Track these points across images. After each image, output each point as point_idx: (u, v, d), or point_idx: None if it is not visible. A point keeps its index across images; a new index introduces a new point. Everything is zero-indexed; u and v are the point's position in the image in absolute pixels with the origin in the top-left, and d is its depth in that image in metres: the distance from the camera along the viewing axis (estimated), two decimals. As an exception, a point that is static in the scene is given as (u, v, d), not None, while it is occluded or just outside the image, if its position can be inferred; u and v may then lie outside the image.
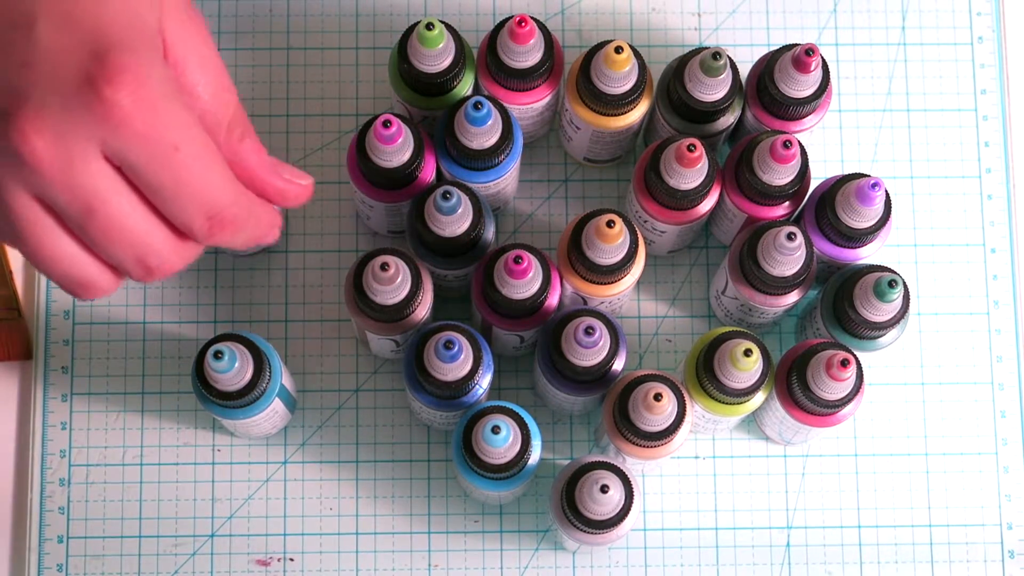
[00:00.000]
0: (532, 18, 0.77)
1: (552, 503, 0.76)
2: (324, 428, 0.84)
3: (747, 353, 0.73)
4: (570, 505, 0.74)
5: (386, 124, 0.74)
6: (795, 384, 0.76)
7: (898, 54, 0.89)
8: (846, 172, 0.81)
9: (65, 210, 0.55)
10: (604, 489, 0.73)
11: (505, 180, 0.80)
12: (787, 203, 0.80)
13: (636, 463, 0.79)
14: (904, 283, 0.76)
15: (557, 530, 0.78)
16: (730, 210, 0.80)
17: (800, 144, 0.77)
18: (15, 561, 0.82)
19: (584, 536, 0.75)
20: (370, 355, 0.84)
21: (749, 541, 0.83)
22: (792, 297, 0.78)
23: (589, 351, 0.74)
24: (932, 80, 0.89)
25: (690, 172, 0.76)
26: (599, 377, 0.76)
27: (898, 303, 0.76)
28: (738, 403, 0.76)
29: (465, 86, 0.80)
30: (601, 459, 0.75)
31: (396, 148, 0.75)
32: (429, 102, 0.79)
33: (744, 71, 0.84)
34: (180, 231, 0.58)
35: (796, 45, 0.78)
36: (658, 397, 0.73)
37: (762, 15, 0.89)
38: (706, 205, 0.79)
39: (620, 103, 0.79)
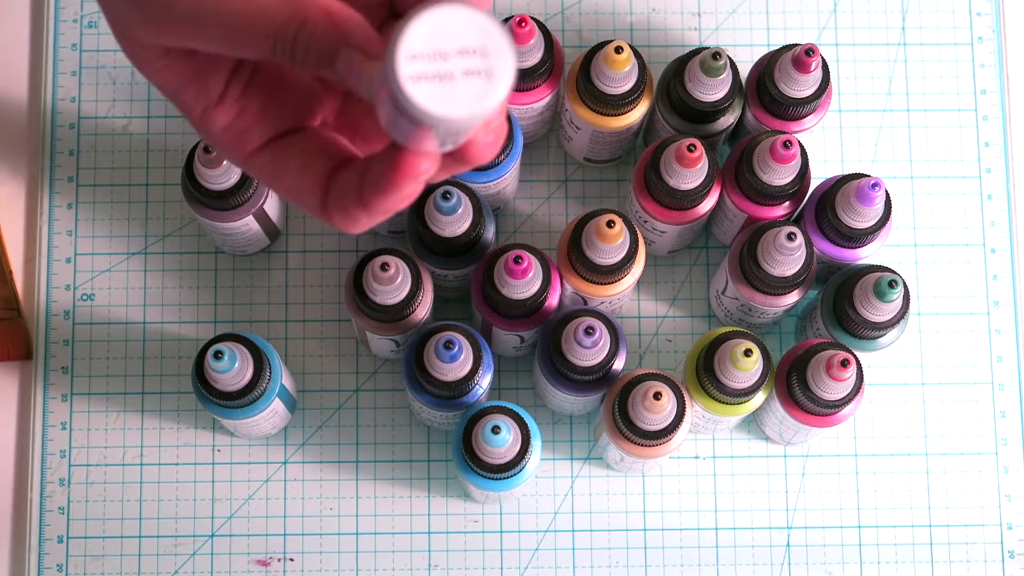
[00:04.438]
0: (532, 18, 0.77)
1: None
2: (324, 428, 0.84)
3: (747, 353, 0.73)
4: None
5: (386, 124, 0.74)
6: (795, 384, 0.76)
7: (898, 54, 0.89)
8: (846, 172, 0.81)
9: None
10: (657, 396, 0.73)
11: (505, 180, 0.80)
12: (787, 203, 0.80)
13: (636, 462, 0.79)
14: (904, 283, 0.76)
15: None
16: (730, 210, 0.80)
17: (800, 144, 0.77)
18: (15, 561, 0.82)
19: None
20: (370, 355, 0.84)
21: (749, 541, 0.83)
22: (792, 297, 0.78)
23: (589, 351, 0.74)
24: (932, 80, 0.89)
25: (690, 172, 0.76)
26: (599, 377, 0.76)
27: (898, 303, 0.76)
28: (738, 403, 0.76)
29: (465, 86, 0.80)
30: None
31: (396, 148, 0.75)
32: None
33: (744, 71, 0.84)
34: None
35: (796, 45, 0.78)
36: (658, 396, 0.73)
37: (762, 15, 0.89)
38: (706, 205, 0.79)
39: (620, 103, 0.79)
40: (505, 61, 0.46)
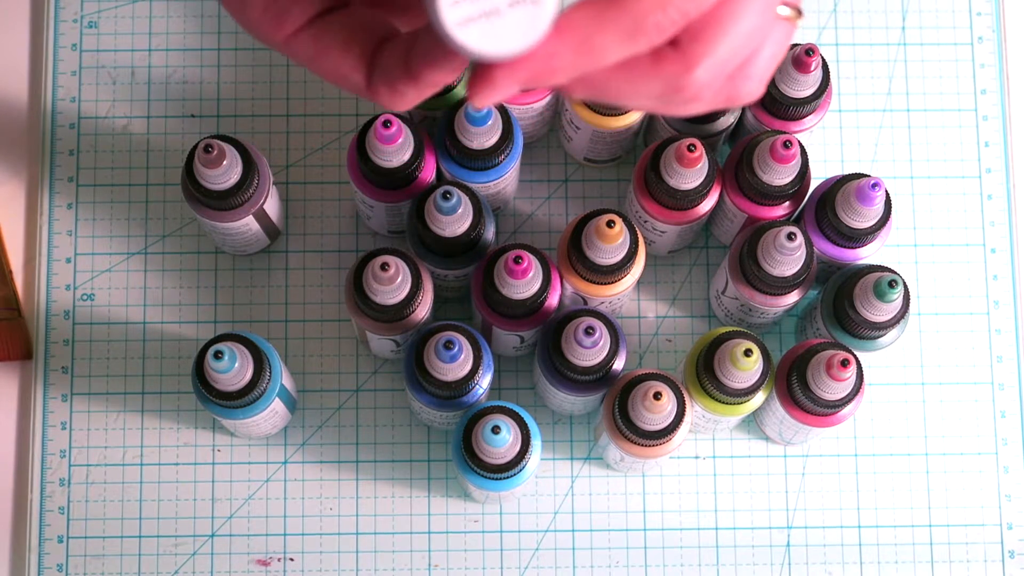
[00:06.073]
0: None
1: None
2: (324, 428, 0.84)
3: (747, 353, 0.73)
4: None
5: (386, 124, 0.74)
6: (795, 384, 0.76)
7: (898, 54, 0.89)
8: (846, 172, 0.81)
9: None
10: (657, 396, 0.73)
11: (505, 180, 0.80)
12: (787, 203, 0.80)
13: (636, 462, 0.79)
14: (904, 283, 0.76)
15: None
16: (730, 210, 0.80)
17: (800, 144, 0.77)
18: (15, 561, 0.82)
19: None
20: (370, 355, 0.84)
21: (749, 541, 0.83)
22: (792, 297, 0.78)
23: (589, 351, 0.74)
24: (932, 80, 0.89)
25: (690, 172, 0.76)
26: (599, 377, 0.76)
27: (898, 303, 0.76)
28: (738, 403, 0.76)
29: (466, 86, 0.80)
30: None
31: (396, 148, 0.75)
32: (430, 102, 0.79)
33: (744, 71, 0.84)
34: None
35: (796, 45, 0.78)
36: (658, 396, 0.73)
37: (762, 15, 0.89)
38: (706, 205, 0.79)
39: (620, 103, 0.79)
40: None
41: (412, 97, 0.52)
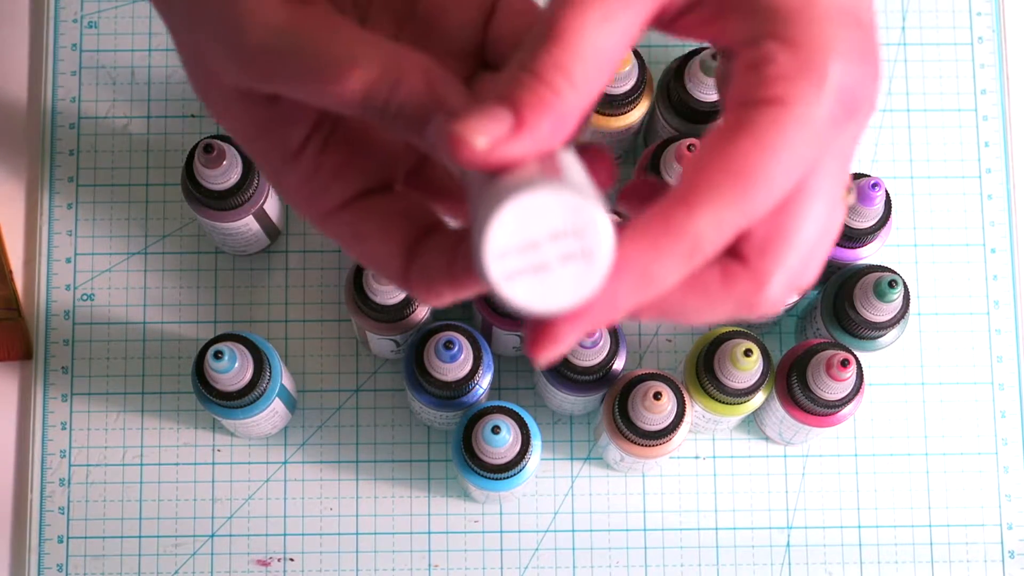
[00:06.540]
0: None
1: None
2: (324, 428, 0.84)
3: (747, 353, 0.73)
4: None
5: (386, 124, 0.74)
6: (795, 384, 0.76)
7: (898, 54, 0.89)
8: (846, 172, 0.81)
9: None
10: (657, 396, 0.73)
11: (505, 180, 0.80)
12: (787, 203, 0.79)
13: (636, 462, 0.79)
14: (904, 283, 0.76)
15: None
16: (730, 210, 0.80)
17: (800, 144, 0.77)
18: (15, 561, 0.82)
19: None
20: (370, 355, 0.84)
21: (749, 541, 0.83)
22: (792, 298, 0.78)
23: (589, 351, 0.74)
24: (932, 80, 0.89)
25: (690, 172, 0.76)
26: (599, 377, 0.76)
27: (898, 303, 0.76)
28: (738, 403, 0.76)
29: (465, 86, 0.80)
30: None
31: (396, 148, 0.75)
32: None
33: (744, 71, 0.84)
34: None
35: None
36: (658, 396, 0.73)
37: (762, 15, 0.89)
38: (706, 205, 0.79)
39: (620, 103, 0.79)
40: (603, 236, 0.41)
41: (449, 298, 0.49)
